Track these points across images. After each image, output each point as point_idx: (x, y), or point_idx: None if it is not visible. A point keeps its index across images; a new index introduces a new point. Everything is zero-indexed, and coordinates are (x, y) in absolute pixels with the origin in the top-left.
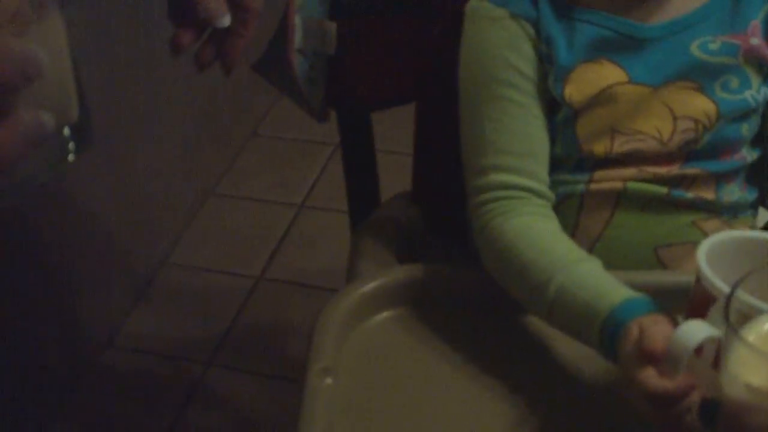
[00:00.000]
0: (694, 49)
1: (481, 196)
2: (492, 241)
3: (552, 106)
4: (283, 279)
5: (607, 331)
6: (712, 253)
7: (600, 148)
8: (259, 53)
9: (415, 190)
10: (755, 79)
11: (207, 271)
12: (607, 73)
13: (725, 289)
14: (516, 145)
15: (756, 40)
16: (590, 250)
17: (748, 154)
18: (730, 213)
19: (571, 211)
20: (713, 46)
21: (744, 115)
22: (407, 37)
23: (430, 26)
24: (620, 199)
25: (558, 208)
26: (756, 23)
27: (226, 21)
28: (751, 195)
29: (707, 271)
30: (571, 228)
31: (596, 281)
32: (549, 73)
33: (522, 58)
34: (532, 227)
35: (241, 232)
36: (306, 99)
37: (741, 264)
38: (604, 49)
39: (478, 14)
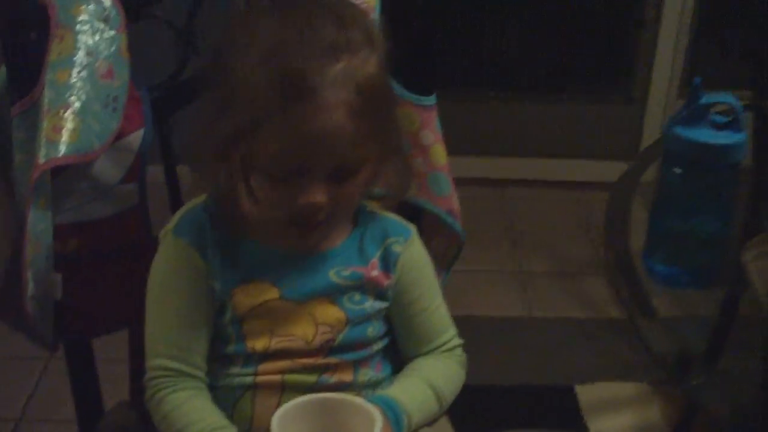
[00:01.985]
0: (332, 275)
1: (150, 373)
2: (156, 409)
3: (221, 309)
4: None
5: None
6: (285, 419)
7: (260, 345)
8: None
9: (132, 397)
10: (371, 295)
11: None
12: (264, 291)
13: None
14: (179, 340)
15: (375, 272)
16: None
17: (376, 346)
18: (369, 389)
19: (246, 401)
20: (345, 273)
21: (366, 319)
22: (122, 276)
23: (140, 264)
24: (284, 388)
25: (237, 400)
26: (374, 260)
27: None
28: (385, 373)
29: None
30: (249, 415)
31: None
32: (216, 289)
33: (194, 275)
34: (185, 402)
35: None
36: (39, 335)
37: (313, 423)
38: (262, 271)
39: (164, 240)
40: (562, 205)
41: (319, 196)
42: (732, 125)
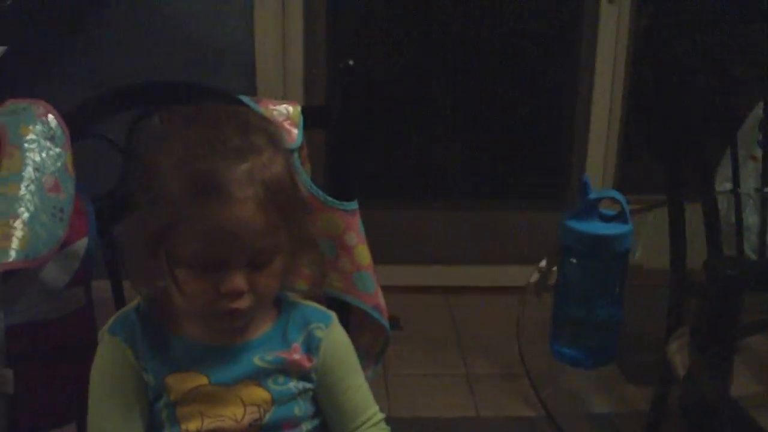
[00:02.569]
0: (257, 360)
1: None
2: None
3: (156, 397)
4: None
5: None
6: None
7: (194, 426)
8: None
9: None
10: (295, 376)
11: None
12: (194, 379)
13: None
14: (114, 429)
15: (297, 355)
16: None
17: (306, 426)
18: None
19: None
20: (269, 358)
21: (291, 398)
22: (70, 373)
23: (86, 362)
24: None
25: None
26: (296, 345)
27: None
28: None
29: None
30: None
31: None
32: (149, 381)
33: (128, 371)
34: None
35: None
36: None
37: None
38: (191, 362)
39: (101, 340)
40: (505, 309)
41: (238, 283)
42: (619, 218)
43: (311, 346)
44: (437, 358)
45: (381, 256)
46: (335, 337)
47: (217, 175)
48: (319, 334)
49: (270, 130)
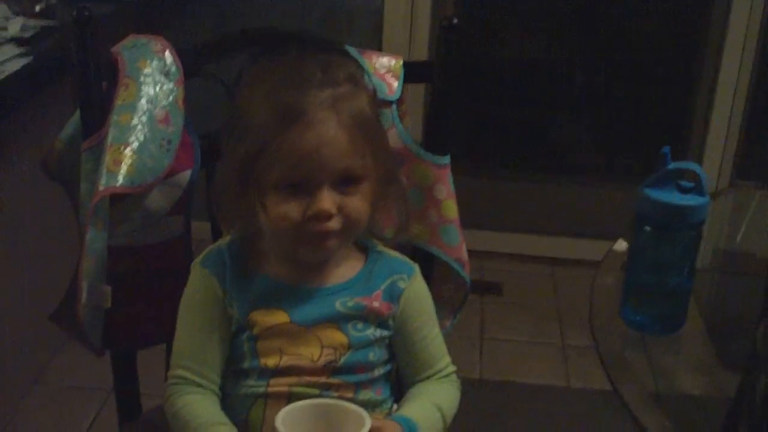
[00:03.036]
0: (338, 305)
1: (169, 380)
2: (169, 409)
3: (239, 329)
4: None
5: None
6: (287, 418)
7: (272, 362)
8: (54, 306)
9: None
10: (374, 323)
11: None
12: (276, 315)
13: None
14: (196, 355)
15: (377, 303)
16: None
17: (378, 371)
18: (368, 408)
19: (259, 408)
20: (350, 304)
21: (368, 345)
22: (163, 296)
23: (180, 287)
24: (290, 399)
25: (251, 407)
26: (378, 292)
27: None
28: (384, 396)
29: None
30: (261, 419)
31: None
32: (233, 314)
33: (213, 301)
34: (192, 402)
35: None
36: (89, 341)
37: (311, 424)
38: (274, 300)
39: (192, 270)
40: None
41: (326, 203)
42: (696, 189)
43: (393, 295)
44: (535, 326)
45: (488, 222)
46: (416, 288)
47: (299, 102)
48: (401, 284)
49: (351, 70)
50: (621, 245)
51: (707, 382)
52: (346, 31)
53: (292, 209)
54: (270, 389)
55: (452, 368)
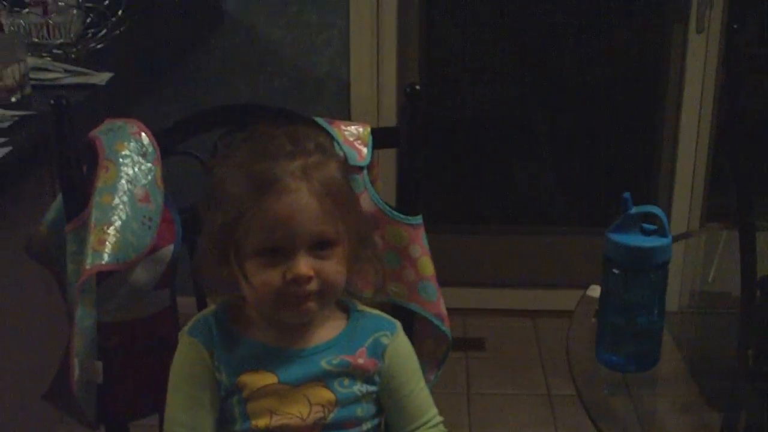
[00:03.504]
0: (323, 363)
1: None
2: None
3: (228, 394)
4: None
5: None
6: None
7: (263, 423)
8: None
9: None
10: (360, 379)
11: None
12: (265, 378)
13: None
14: (187, 420)
15: (361, 360)
16: None
17: (366, 425)
18: None
19: None
20: (335, 361)
21: (355, 400)
22: (154, 367)
23: (169, 358)
24: None
25: None
26: (363, 349)
27: None
28: None
29: None
30: None
31: None
32: (221, 379)
33: (201, 368)
34: None
35: None
36: (84, 416)
37: None
38: (261, 363)
39: (181, 339)
40: (592, 331)
41: (303, 267)
42: (658, 231)
43: (377, 352)
44: (520, 378)
45: (468, 278)
46: (400, 343)
47: (272, 172)
48: (384, 340)
49: (319, 140)
50: (594, 291)
51: (693, 421)
52: (314, 100)
53: (271, 276)
54: None
55: (440, 418)
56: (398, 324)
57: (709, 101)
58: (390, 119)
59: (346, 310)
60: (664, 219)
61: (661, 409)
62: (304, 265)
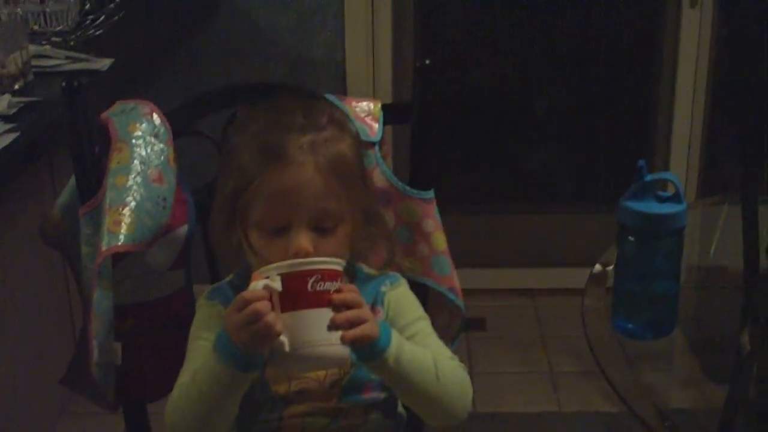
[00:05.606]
0: None
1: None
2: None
3: None
4: None
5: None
6: None
7: (282, 388)
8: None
9: None
10: None
11: None
12: None
13: None
14: None
15: None
16: None
17: (384, 395)
18: None
19: None
20: None
21: None
22: (171, 347)
23: (184, 335)
24: (304, 430)
25: None
26: (368, 306)
27: None
28: (395, 419)
29: None
30: None
31: None
32: None
33: (221, 324)
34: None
35: None
36: (103, 398)
37: None
38: None
39: (198, 307)
40: None
41: (304, 243)
42: (673, 198)
43: (377, 301)
44: (522, 357)
45: (469, 259)
46: (400, 292)
47: (281, 144)
48: (383, 289)
49: (334, 115)
50: (598, 269)
51: (693, 395)
52: (310, 83)
53: (273, 252)
54: (283, 422)
55: (456, 357)
56: (403, 279)
57: (703, 73)
58: (386, 100)
59: (352, 274)
60: (679, 185)
61: (663, 383)
62: (305, 239)
